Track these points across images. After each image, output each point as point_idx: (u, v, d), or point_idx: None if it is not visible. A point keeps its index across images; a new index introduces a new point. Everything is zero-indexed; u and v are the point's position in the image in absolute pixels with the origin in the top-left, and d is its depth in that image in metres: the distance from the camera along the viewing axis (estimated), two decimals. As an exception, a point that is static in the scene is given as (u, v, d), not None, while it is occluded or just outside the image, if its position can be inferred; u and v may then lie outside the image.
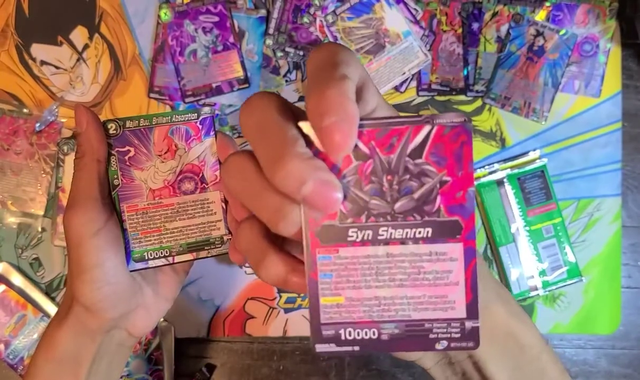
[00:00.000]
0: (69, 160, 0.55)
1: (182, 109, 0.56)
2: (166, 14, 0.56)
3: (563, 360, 0.58)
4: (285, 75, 0.57)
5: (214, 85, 0.56)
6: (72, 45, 0.57)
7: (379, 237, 0.26)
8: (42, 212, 0.56)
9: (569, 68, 0.57)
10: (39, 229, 0.56)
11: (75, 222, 0.33)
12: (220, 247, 0.37)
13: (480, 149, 0.57)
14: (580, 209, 0.57)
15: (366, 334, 0.27)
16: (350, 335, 0.27)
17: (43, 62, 0.57)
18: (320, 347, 0.27)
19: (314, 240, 0.26)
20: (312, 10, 0.56)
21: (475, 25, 0.57)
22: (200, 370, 0.56)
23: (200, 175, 0.37)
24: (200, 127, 0.36)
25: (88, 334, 0.35)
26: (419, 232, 0.26)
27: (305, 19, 0.56)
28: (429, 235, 0.26)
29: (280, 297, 0.57)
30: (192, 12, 0.56)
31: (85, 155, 0.33)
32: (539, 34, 0.57)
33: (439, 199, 0.26)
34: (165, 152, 0.36)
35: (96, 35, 0.57)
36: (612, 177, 0.57)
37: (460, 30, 0.57)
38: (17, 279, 0.56)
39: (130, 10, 0.57)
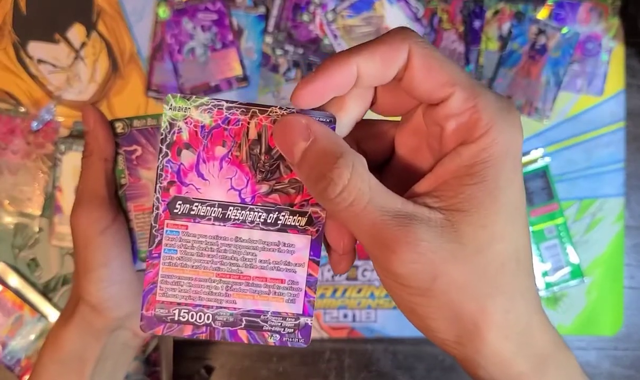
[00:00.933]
0: (67, 159, 0.55)
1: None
2: (164, 12, 0.55)
3: None
4: (284, 74, 0.57)
5: (212, 83, 0.55)
6: (69, 43, 0.57)
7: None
8: (39, 212, 0.56)
9: (571, 66, 0.57)
10: (36, 229, 0.56)
11: (82, 221, 0.33)
12: None
13: (482, 148, 0.57)
14: (582, 209, 0.57)
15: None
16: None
17: (40, 61, 0.57)
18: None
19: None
20: (311, 8, 0.56)
21: (476, 24, 0.57)
22: (199, 372, 0.56)
23: None
24: None
25: (93, 333, 0.35)
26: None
27: (305, 17, 0.56)
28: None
29: (280, 297, 0.56)
30: (191, 10, 0.55)
31: (93, 154, 0.33)
32: (541, 32, 0.56)
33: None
34: None
35: (94, 33, 0.57)
36: (615, 176, 0.57)
37: (461, 29, 0.57)
38: (13, 280, 0.55)
39: (128, 8, 0.56)
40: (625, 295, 0.57)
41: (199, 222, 0.26)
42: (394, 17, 0.56)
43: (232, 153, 0.25)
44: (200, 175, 0.26)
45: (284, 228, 0.26)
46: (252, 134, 0.25)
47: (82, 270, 0.33)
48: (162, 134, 0.25)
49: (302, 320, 0.26)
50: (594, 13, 0.57)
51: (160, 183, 0.26)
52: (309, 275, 0.26)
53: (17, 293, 0.55)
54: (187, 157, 0.25)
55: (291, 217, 0.26)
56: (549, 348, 0.23)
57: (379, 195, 0.21)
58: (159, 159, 0.26)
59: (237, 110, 0.25)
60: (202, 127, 0.25)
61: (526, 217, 0.23)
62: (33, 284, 0.56)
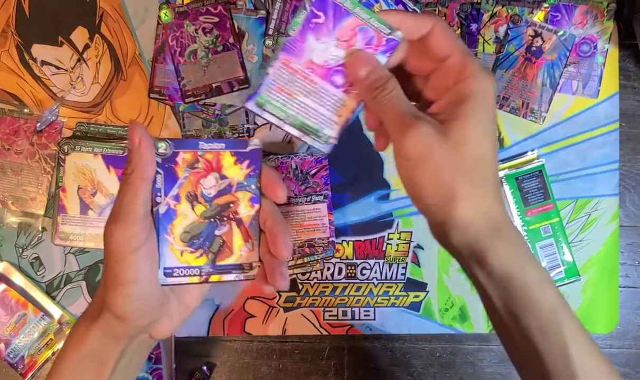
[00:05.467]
0: (70, 160, 0.56)
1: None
2: (166, 15, 0.56)
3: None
4: (284, 76, 0.57)
5: (213, 85, 0.56)
6: (72, 45, 0.57)
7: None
8: (42, 212, 0.56)
9: (566, 69, 0.57)
10: (40, 229, 0.57)
11: (117, 237, 0.33)
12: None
13: (479, 149, 0.58)
14: (578, 208, 0.58)
15: None
16: None
17: (44, 62, 0.57)
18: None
19: None
20: (311, 11, 0.57)
21: (473, 26, 0.58)
22: (200, 369, 0.57)
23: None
24: (384, 42, 0.37)
25: (115, 337, 0.35)
26: None
27: (305, 20, 0.56)
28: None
29: (280, 296, 0.57)
30: (192, 13, 0.56)
31: (134, 173, 0.34)
32: (537, 34, 0.57)
33: None
34: (344, 41, 0.37)
35: (96, 35, 0.57)
36: (610, 177, 0.58)
37: (458, 31, 0.58)
38: (17, 279, 0.56)
39: (131, 11, 0.57)
40: (620, 294, 0.58)
41: None
42: (392, 20, 0.56)
43: None
44: None
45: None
46: None
47: (111, 283, 0.34)
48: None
49: None
50: (589, 16, 0.58)
51: None
52: None
53: (21, 292, 0.56)
54: None
55: None
56: (504, 224, 0.33)
57: (406, 101, 0.34)
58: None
59: None
60: None
61: (495, 138, 0.34)
62: (36, 283, 0.57)
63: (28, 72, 0.57)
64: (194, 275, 0.37)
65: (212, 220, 0.37)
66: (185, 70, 0.56)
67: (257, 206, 0.38)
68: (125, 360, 0.36)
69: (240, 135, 0.57)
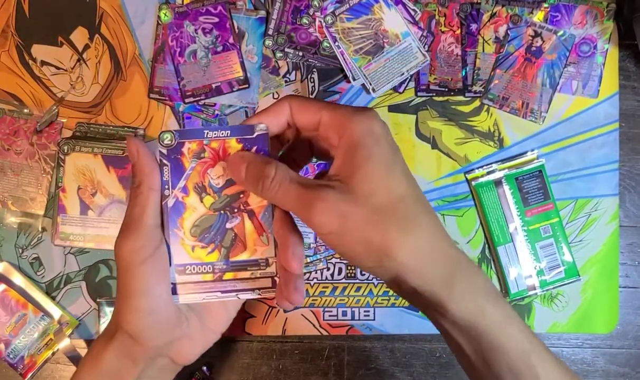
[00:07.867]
0: (69, 160, 0.56)
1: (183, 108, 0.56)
2: (166, 15, 0.56)
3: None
4: (284, 76, 0.57)
5: (213, 85, 0.56)
6: (72, 45, 0.57)
7: None
8: (42, 212, 0.56)
9: (566, 69, 0.58)
10: (40, 229, 0.57)
11: (126, 248, 0.33)
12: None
13: (479, 149, 0.58)
14: (577, 208, 0.58)
15: None
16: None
17: (43, 63, 0.57)
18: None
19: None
20: (311, 11, 0.57)
21: (473, 26, 0.58)
22: (200, 369, 0.57)
23: None
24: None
25: (131, 358, 0.35)
26: None
27: (305, 20, 0.57)
28: None
29: (280, 296, 0.57)
30: (192, 13, 0.56)
31: (142, 185, 0.34)
32: (537, 35, 0.57)
33: None
34: None
35: (96, 35, 0.57)
36: (610, 177, 0.58)
37: (458, 31, 0.58)
38: (17, 279, 0.56)
39: (130, 11, 0.57)
40: (620, 294, 0.58)
41: None
42: (392, 20, 0.56)
43: None
44: None
45: None
46: None
47: (122, 296, 0.34)
48: None
49: None
50: (589, 16, 0.58)
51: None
52: None
53: (21, 292, 0.56)
54: None
55: None
56: (457, 262, 0.31)
57: (298, 177, 0.31)
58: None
59: None
60: None
61: (404, 171, 0.31)
62: (36, 283, 0.56)
63: (28, 72, 0.57)
64: (207, 272, 0.36)
65: (222, 212, 0.36)
66: (185, 70, 0.56)
67: None
68: None
69: (240, 135, 0.57)
